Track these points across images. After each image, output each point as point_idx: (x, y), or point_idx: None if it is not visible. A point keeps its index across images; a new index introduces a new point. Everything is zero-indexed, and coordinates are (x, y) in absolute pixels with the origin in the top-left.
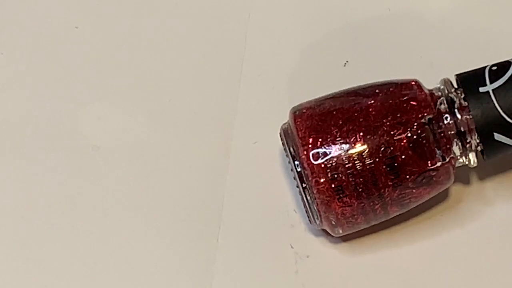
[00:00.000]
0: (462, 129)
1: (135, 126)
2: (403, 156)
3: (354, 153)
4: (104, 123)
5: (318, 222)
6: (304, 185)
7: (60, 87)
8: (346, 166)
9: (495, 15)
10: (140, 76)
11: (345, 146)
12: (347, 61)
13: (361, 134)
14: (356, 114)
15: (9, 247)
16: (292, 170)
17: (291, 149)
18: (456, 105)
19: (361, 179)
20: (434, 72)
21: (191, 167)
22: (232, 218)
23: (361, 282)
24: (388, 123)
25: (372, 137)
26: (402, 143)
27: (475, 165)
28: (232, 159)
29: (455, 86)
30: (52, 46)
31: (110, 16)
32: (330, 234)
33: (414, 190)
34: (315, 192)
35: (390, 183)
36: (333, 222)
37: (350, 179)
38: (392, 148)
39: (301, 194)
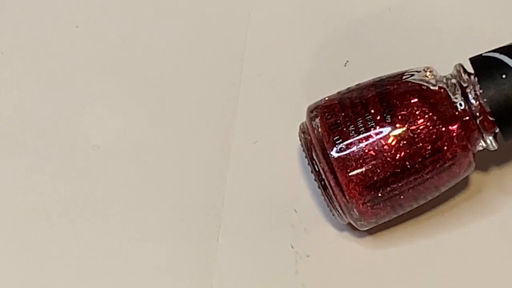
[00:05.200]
0: (477, 113)
1: (135, 126)
2: (431, 150)
3: (378, 143)
4: (104, 123)
5: (343, 216)
6: (326, 180)
7: (60, 87)
8: (370, 157)
9: (495, 15)
10: (140, 76)
11: (368, 137)
12: (347, 61)
13: (385, 123)
14: (378, 103)
15: (9, 247)
16: (312, 170)
17: (312, 147)
18: (468, 90)
19: (385, 168)
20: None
21: (191, 167)
22: (232, 218)
23: (361, 282)
24: (413, 110)
25: (397, 126)
26: (432, 135)
27: (494, 148)
28: (232, 159)
29: (468, 71)
30: (52, 46)
31: (110, 16)
32: (355, 229)
33: (436, 176)
34: (342, 193)
35: (414, 169)
36: (359, 217)
37: (374, 169)
38: (418, 135)
39: (323, 193)
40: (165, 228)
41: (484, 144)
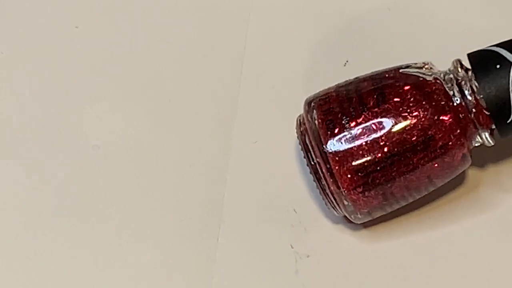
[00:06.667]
0: (473, 108)
1: (135, 126)
2: (423, 137)
3: (369, 129)
4: (104, 123)
5: (337, 207)
6: (319, 167)
7: (60, 87)
8: (362, 142)
9: (495, 15)
10: (140, 76)
11: (360, 123)
12: (347, 61)
13: (377, 109)
14: (372, 91)
15: (9, 247)
16: (307, 161)
17: (308, 139)
18: (464, 85)
19: (376, 154)
20: None
21: (191, 166)
22: (232, 218)
23: (361, 282)
24: (406, 98)
25: (389, 112)
26: (424, 122)
27: (491, 144)
28: (232, 159)
29: (466, 66)
30: (52, 46)
31: (110, 16)
32: (350, 222)
33: (428, 165)
34: (334, 179)
35: (405, 156)
36: (353, 208)
37: (365, 155)
38: (410, 122)
39: (317, 184)
40: (165, 228)
41: (480, 140)
